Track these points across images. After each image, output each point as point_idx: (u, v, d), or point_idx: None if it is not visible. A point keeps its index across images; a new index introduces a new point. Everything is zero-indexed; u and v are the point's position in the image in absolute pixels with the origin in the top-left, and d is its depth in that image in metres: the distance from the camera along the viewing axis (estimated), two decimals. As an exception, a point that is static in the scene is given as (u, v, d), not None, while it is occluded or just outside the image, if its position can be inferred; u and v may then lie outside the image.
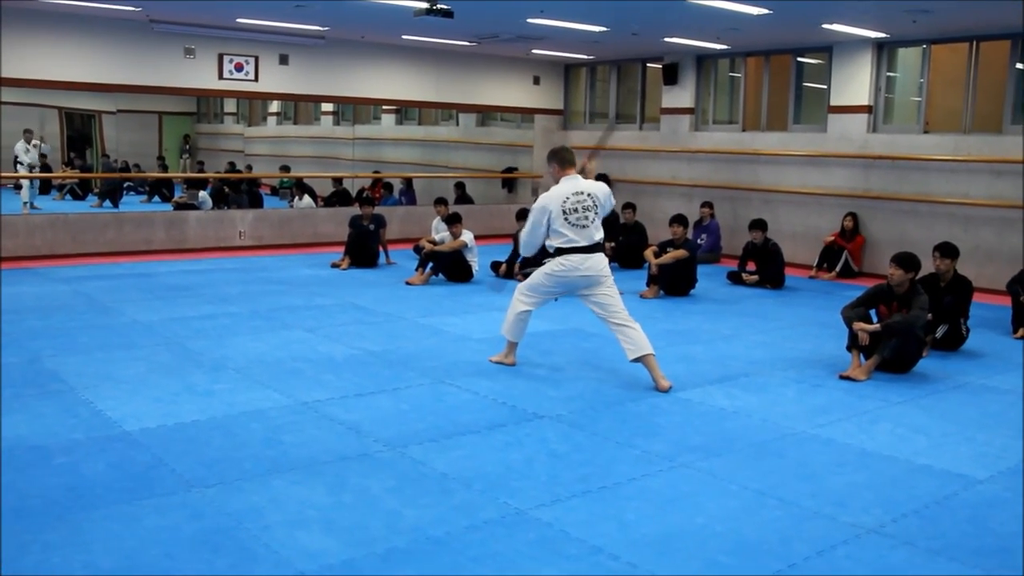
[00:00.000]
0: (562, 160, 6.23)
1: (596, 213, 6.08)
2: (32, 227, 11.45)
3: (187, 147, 17.05)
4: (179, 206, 13.71)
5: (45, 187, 15.22)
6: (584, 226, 6.03)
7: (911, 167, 11.37)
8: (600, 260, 6.11)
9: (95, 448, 4.62)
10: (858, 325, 6.55)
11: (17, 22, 10.97)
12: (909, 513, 4.07)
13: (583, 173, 6.30)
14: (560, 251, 6.09)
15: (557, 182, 6.17)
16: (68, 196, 15.16)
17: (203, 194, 13.81)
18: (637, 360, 6.07)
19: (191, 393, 5.64)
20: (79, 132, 15.69)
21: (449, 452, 4.70)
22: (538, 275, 6.31)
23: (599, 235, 6.13)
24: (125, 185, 15.03)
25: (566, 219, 5.99)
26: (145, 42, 11.91)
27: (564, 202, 6.00)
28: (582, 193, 6.06)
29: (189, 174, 15.78)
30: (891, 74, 11.98)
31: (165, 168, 16.04)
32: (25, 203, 12.69)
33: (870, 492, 4.32)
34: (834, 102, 12.22)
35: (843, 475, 4.55)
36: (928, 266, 7.46)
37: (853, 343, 6.62)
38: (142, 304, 8.49)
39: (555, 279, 6.17)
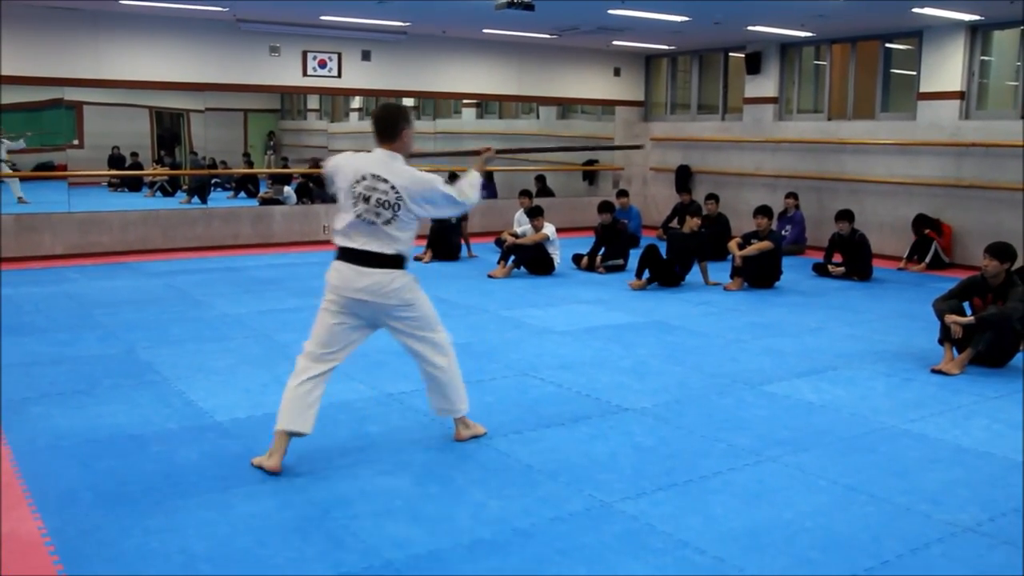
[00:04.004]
0: (376, 127, 4.37)
1: (396, 213, 4.21)
2: (126, 223, 11.80)
3: (271, 143, 17.36)
4: (265, 201, 13.98)
5: (136, 184, 15.66)
6: (372, 223, 4.22)
7: (1007, 154, 11.00)
8: (386, 279, 4.26)
9: (189, 437, 4.75)
10: (951, 318, 6.37)
11: (110, 25, 11.31)
12: (1008, 512, 3.94)
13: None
14: (337, 251, 4.38)
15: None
16: (158, 193, 15.56)
17: (288, 189, 14.06)
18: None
19: (280, 384, 5.67)
20: (168, 131, 16.08)
21: (534, 444, 4.71)
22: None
23: (396, 246, 4.28)
24: (213, 181, 15.37)
25: (354, 205, 4.24)
26: (232, 41, 12.17)
27: (356, 182, 4.24)
28: (385, 181, 4.22)
29: (274, 170, 16.07)
30: (985, 58, 11.61)
31: (250, 164, 16.35)
32: (19, 197, 12.66)
33: (966, 489, 4.20)
34: (924, 88, 11.89)
35: (937, 472, 4.43)
36: (1025, 257, 7.22)
37: (946, 336, 6.43)
38: (231, 297, 8.69)
39: (328, 297, 4.38)
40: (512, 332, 7.41)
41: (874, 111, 12.71)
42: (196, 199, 14.31)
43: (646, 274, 9.54)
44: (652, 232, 14.14)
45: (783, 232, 12.14)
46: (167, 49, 11.76)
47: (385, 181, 4.22)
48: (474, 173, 4.62)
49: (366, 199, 4.21)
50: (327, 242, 12.86)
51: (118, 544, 3.50)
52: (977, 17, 10.85)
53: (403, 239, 4.31)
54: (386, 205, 4.21)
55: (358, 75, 13.18)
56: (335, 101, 17.55)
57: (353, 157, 4.36)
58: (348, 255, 4.29)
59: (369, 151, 4.37)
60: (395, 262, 4.31)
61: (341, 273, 4.29)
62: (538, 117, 17.20)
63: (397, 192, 4.22)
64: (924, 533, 3.72)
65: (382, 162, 4.28)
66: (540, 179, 15.62)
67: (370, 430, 4.90)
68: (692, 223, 9.90)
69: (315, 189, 14.59)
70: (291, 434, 4.30)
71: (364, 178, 4.23)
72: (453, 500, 3.97)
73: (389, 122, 4.34)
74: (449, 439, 4.75)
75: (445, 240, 11.34)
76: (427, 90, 13.99)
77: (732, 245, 9.84)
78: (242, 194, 15.71)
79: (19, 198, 12.58)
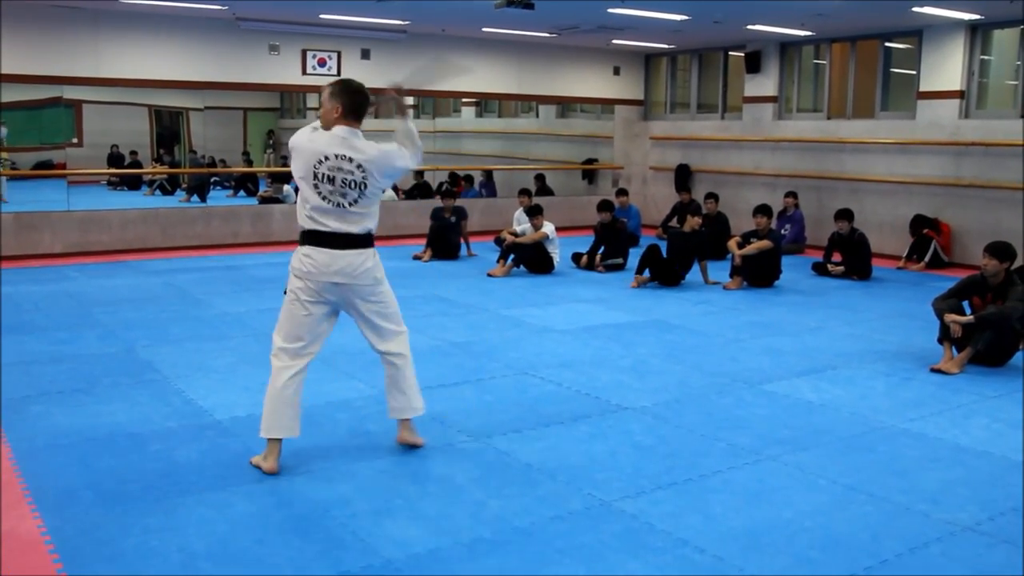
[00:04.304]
0: (352, 104, 4.17)
1: (363, 192, 4.13)
2: (125, 221, 11.80)
3: (271, 142, 17.35)
4: (264, 200, 13.97)
5: (135, 183, 15.66)
6: (339, 205, 4.12)
7: (1006, 154, 11.00)
8: (358, 260, 4.19)
9: (188, 436, 4.75)
10: (950, 317, 6.37)
11: (109, 24, 11.30)
12: (1007, 511, 3.94)
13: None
14: (303, 236, 4.24)
15: (328, 127, 4.18)
16: (158, 191, 15.57)
17: (287, 188, 14.04)
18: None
19: (279, 383, 5.74)
20: (168, 129, 16.08)
21: (533, 443, 4.71)
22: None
23: (365, 224, 4.20)
24: (212, 180, 15.36)
25: (316, 188, 4.12)
26: (231, 40, 12.16)
27: (318, 163, 4.09)
28: (351, 160, 4.10)
29: (273, 168, 16.06)
30: (985, 57, 11.61)
31: (250, 163, 16.36)
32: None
33: (965, 489, 4.20)
34: (924, 88, 11.89)
35: (936, 471, 4.44)
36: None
37: (945, 335, 6.43)
38: (230, 296, 8.69)
39: (296, 286, 4.24)
40: (512, 331, 7.41)
41: (874, 110, 12.71)
42: (195, 198, 14.31)
43: (646, 272, 9.54)
44: (652, 231, 14.15)
45: (783, 231, 12.14)
46: (166, 47, 11.74)
47: (350, 160, 4.09)
48: (405, 125, 4.31)
49: (331, 180, 4.08)
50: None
51: (117, 543, 3.50)
52: (977, 16, 10.85)
53: (371, 215, 4.22)
54: (352, 185, 4.09)
55: (358, 74, 13.11)
56: (335, 100, 17.54)
57: (311, 137, 4.17)
58: (319, 239, 4.16)
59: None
60: (366, 241, 4.23)
61: (313, 259, 4.16)
62: (537, 116, 17.21)
63: (364, 170, 4.10)
64: (923, 532, 3.72)
65: (343, 140, 4.12)
66: (540, 178, 15.62)
67: (370, 428, 4.90)
68: (693, 222, 9.89)
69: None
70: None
71: (326, 158, 4.08)
72: (453, 499, 3.97)
73: (364, 102, 4.20)
74: (448, 439, 4.75)
75: (444, 239, 11.34)
76: (427, 89, 13.94)
77: (732, 244, 9.84)
78: (241, 193, 15.72)
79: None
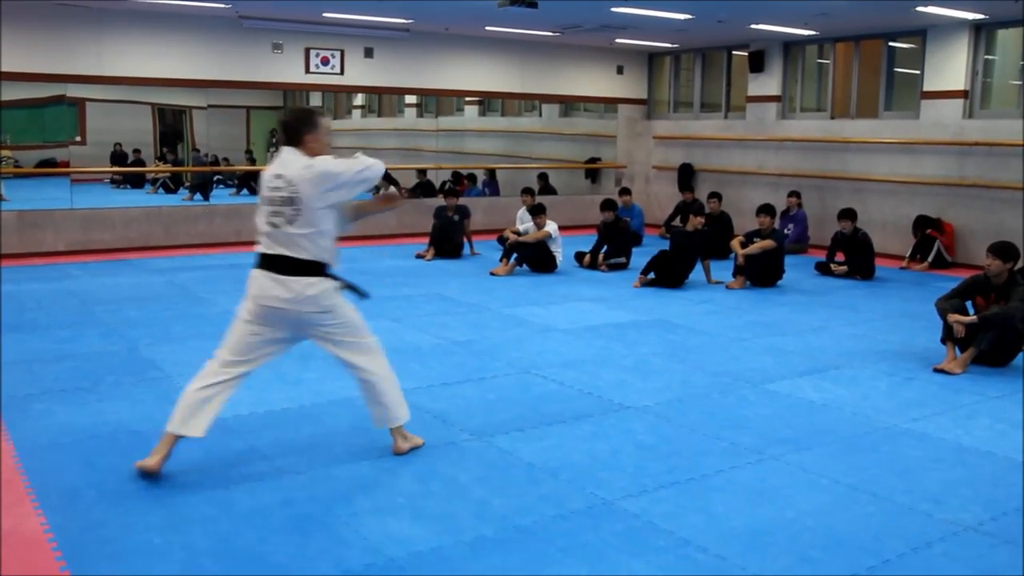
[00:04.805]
0: (281, 131, 4.20)
1: (297, 208, 3.97)
2: (128, 220, 11.81)
3: (274, 141, 17.36)
4: (267, 199, 13.95)
5: (138, 181, 15.67)
6: (275, 226, 4.04)
7: (1009, 154, 10.98)
8: (299, 286, 4.06)
9: (191, 434, 4.74)
10: (953, 317, 6.36)
11: (112, 22, 11.32)
12: (1010, 511, 3.94)
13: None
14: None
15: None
16: (161, 190, 15.58)
17: (291, 187, 14.03)
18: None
19: (281, 381, 5.75)
20: (171, 127, 16.09)
21: (536, 442, 4.71)
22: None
23: (309, 249, 4.05)
24: (215, 178, 15.37)
25: (263, 212, 4.11)
26: (234, 38, 12.16)
27: (264, 190, 4.12)
28: (279, 177, 4.02)
29: (277, 167, 16.06)
30: (989, 57, 11.59)
31: (253, 161, 16.37)
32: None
33: (968, 489, 4.20)
34: (927, 87, 11.88)
35: (939, 471, 4.43)
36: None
37: (948, 335, 6.43)
38: (233, 294, 8.61)
39: (245, 305, 4.25)
40: (514, 330, 7.42)
41: (877, 110, 12.70)
42: (198, 196, 14.31)
43: (651, 274, 9.53)
44: (655, 231, 14.14)
45: (786, 231, 12.13)
46: (170, 46, 11.75)
47: (280, 177, 4.03)
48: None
49: (270, 201, 4.05)
50: (329, 239, 12.85)
51: (121, 541, 3.51)
52: (981, 16, 10.84)
53: (315, 241, 4.05)
54: (286, 202, 3.99)
55: (361, 72, 13.17)
56: (337, 98, 17.57)
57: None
58: (264, 262, 4.12)
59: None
60: (311, 268, 4.08)
61: (258, 282, 4.12)
62: (540, 115, 17.21)
63: (293, 185, 3.98)
64: (926, 532, 3.72)
65: (281, 160, 4.09)
66: (543, 177, 15.63)
67: (372, 427, 4.89)
68: (696, 222, 9.89)
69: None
70: (179, 437, 4.15)
71: (268, 181, 4.08)
72: (455, 497, 3.97)
73: (290, 124, 4.14)
74: (451, 437, 4.75)
75: (448, 238, 11.34)
76: (430, 87, 13.98)
77: (735, 244, 9.83)
78: (244, 191, 15.72)
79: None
